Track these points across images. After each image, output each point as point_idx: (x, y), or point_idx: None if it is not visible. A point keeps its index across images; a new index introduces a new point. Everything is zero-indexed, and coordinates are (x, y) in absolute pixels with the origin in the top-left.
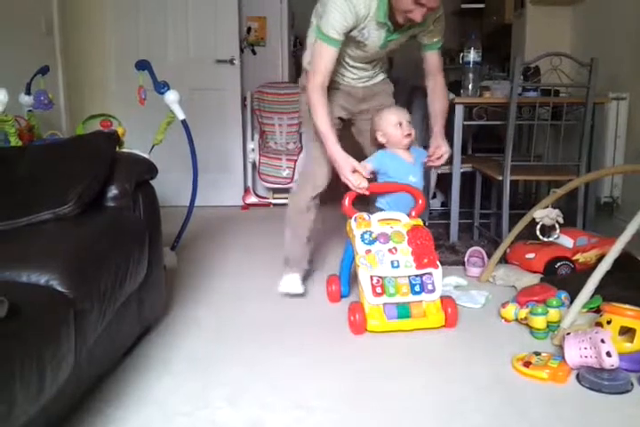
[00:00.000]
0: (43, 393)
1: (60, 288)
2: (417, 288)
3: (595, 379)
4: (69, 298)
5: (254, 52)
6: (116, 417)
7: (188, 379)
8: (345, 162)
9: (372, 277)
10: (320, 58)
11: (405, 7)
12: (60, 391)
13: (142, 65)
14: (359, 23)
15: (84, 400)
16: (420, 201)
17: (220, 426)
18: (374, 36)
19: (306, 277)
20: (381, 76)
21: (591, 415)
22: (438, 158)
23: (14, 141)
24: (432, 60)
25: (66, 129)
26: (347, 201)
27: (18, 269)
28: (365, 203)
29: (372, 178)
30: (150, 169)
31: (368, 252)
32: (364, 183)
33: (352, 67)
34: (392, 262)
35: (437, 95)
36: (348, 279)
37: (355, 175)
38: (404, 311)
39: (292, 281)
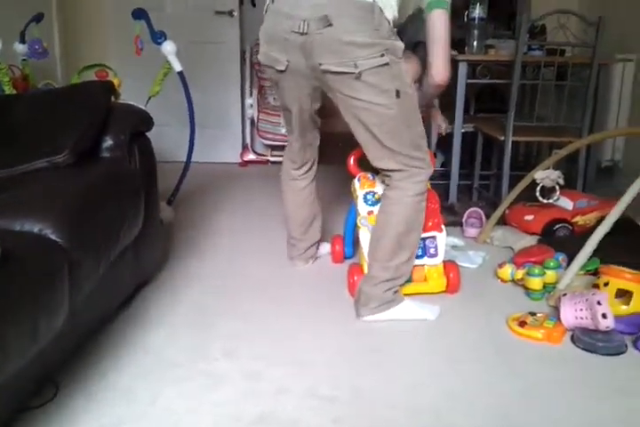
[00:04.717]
0: (36, 339)
1: (53, 237)
2: (418, 252)
3: (589, 340)
4: (63, 247)
5: (254, 4)
6: (112, 366)
7: (185, 331)
8: None
9: None
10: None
11: None
12: (56, 339)
13: (139, 14)
14: None
15: (80, 349)
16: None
17: (216, 377)
18: None
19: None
20: None
21: (585, 376)
22: None
23: (8, 90)
24: None
25: (61, 79)
26: (351, 160)
27: (11, 216)
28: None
29: None
30: (146, 120)
31: (370, 213)
32: None
33: None
34: None
35: None
36: (352, 240)
37: None
38: None
39: None
